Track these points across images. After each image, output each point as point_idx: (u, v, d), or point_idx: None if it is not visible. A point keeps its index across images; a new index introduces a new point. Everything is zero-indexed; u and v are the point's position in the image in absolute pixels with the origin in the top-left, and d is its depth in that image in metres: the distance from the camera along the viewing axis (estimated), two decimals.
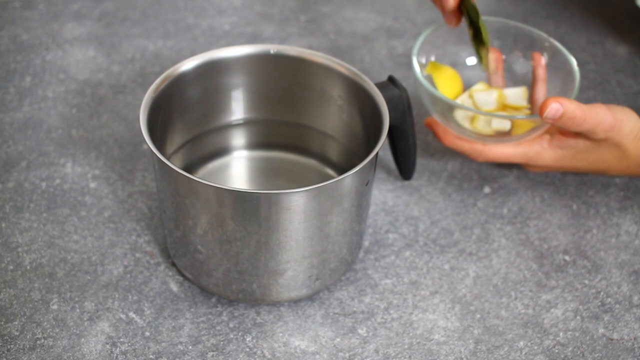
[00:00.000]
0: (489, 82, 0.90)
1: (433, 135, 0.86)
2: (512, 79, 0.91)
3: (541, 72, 0.87)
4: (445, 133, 0.84)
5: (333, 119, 0.82)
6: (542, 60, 0.88)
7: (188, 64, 0.77)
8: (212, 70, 0.79)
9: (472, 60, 0.91)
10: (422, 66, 0.86)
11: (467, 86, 0.90)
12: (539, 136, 0.83)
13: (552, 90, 0.88)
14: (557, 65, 0.87)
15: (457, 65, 0.90)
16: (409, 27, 1.11)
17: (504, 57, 0.90)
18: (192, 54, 0.97)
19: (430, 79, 0.87)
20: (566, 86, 0.86)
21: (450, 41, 0.90)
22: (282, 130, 0.85)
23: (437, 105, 0.83)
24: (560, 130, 0.82)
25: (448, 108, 0.83)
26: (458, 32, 0.88)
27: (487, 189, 0.89)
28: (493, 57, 0.89)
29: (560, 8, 1.16)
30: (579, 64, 1.06)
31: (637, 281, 0.81)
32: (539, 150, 0.83)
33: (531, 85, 0.88)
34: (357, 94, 0.78)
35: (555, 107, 0.76)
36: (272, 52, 0.80)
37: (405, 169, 0.86)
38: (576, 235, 0.85)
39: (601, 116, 0.78)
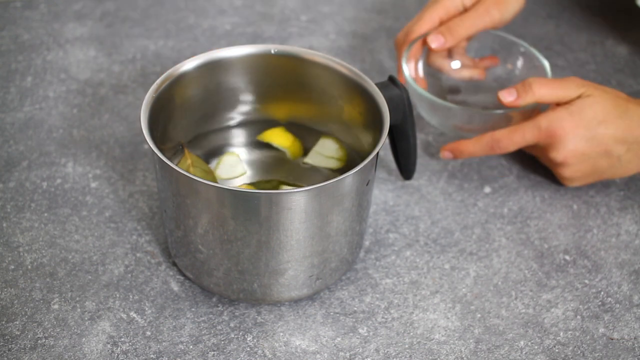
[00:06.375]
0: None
1: (454, 155, 0.88)
2: (485, 83, 0.96)
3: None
4: (460, 148, 0.86)
5: (333, 119, 0.82)
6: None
7: (189, 64, 0.77)
8: (213, 70, 0.79)
9: (456, 65, 0.96)
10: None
11: (450, 88, 0.96)
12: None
13: None
14: (533, 69, 0.92)
15: (442, 69, 0.95)
16: None
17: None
18: (193, 54, 0.96)
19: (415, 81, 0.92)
20: None
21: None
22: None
23: (424, 103, 0.88)
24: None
25: (432, 105, 0.87)
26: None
27: (487, 189, 0.89)
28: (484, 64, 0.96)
29: (560, 8, 1.16)
30: (579, 64, 1.07)
31: (638, 281, 0.81)
32: (552, 118, 0.83)
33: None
34: (358, 94, 0.78)
35: (509, 89, 0.84)
36: (272, 52, 0.80)
37: (405, 168, 0.86)
38: (576, 235, 0.85)
39: (565, 81, 0.84)
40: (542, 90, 0.83)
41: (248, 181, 0.81)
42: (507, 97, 0.84)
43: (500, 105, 0.85)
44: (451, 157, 0.88)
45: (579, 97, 0.83)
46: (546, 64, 0.91)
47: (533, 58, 0.92)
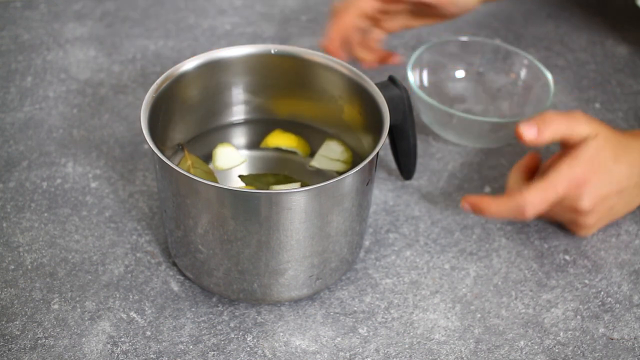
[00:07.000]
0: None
1: (473, 211, 0.81)
2: (489, 93, 0.97)
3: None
4: (481, 206, 0.79)
5: (333, 119, 0.82)
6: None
7: (189, 64, 0.78)
8: (213, 70, 0.79)
9: (460, 74, 0.98)
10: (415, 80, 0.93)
11: (455, 97, 0.97)
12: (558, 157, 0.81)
13: (529, 104, 0.94)
14: (536, 80, 0.94)
15: (448, 78, 0.97)
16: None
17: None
18: (193, 54, 0.96)
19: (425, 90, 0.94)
20: (541, 100, 0.92)
21: (443, 54, 0.97)
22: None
23: (428, 110, 0.90)
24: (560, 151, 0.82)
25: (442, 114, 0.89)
26: (448, 49, 0.97)
27: (487, 189, 0.89)
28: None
29: (560, 8, 1.16)
30: (579, 64, 1.07)
31: (637, 281, 0.81)
32: (573, 165, 0.79)
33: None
34: (358, 93, 0.78)
35: (530, 124, 0.78)
36: (272, 52, 0.80)
37: (405, 168, 0.86)
38: (576, 234, 0.85)
39: (574, 117, 0.79)
40: (558, 126, 0.79)
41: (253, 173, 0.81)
42: (529, 133, 0.78)
43: (503, 114, 0.86)
44: (471, 212, 0.81)
45: (587, 137, 0.79)
46: (549, 75, 0.92)
47: (536, 70, 0.93)
